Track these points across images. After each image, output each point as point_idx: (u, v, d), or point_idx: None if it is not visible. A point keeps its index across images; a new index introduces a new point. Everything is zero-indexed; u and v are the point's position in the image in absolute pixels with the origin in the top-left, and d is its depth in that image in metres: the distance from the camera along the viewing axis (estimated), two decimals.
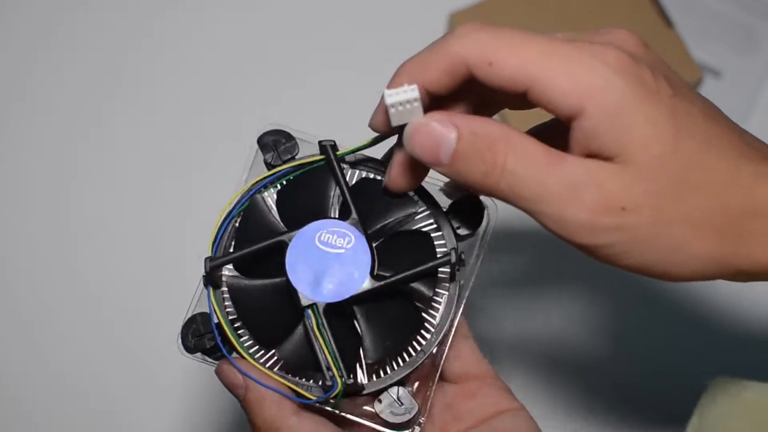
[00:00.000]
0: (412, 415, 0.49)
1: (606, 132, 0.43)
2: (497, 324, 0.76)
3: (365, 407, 0.51)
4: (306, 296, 0.48)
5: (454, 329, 0.51)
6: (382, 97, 0.45)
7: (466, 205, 0.52)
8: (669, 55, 0.79)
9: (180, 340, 0.50)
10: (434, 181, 0.52)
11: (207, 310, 0.50)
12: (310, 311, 0.48)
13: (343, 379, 0.47)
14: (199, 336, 0.49)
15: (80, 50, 0.85)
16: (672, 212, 0.43)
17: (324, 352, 0.47)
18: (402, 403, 0.49)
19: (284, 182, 0.52)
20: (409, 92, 0.44)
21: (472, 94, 0.47)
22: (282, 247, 0.49)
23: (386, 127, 0.47)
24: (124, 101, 0.83)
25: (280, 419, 0.48)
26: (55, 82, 0.84)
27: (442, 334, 0.50)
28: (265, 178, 0.51)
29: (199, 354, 0.50)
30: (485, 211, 0.52)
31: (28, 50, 0.85)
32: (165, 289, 0.77)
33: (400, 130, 0.46)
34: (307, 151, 0.52)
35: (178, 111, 0.83)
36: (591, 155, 0.43)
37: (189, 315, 0.50)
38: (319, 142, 0.51)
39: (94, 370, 0.75)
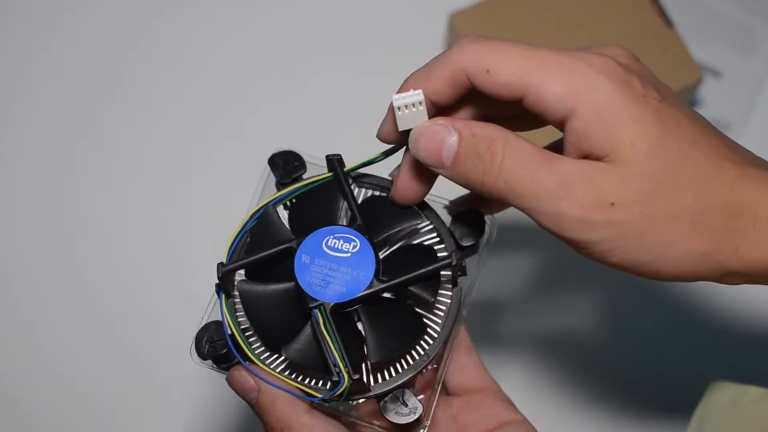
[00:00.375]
0: (416, 416, 0.50)
1: (595, 131, 0.45)
2: (499, 326, 0.76)
3: (370, 411, 0.52)
4: (313, 297, 0.50)
5: (457, 335, 0.53)
6: (390, 106, 0.48)
7: (467, 217, 0.53)
8: (669, 55, 0.79)
9: (194, 348, 0.51)
10: (438, 200, 0.54)
11: (220, 318, 0.51)
12: (317, 311, 0.50)
13: (350, 375, 0.48)
14: (212, 343, 0.51)
15: (80, 50, 0.85)
16: (662, 209, 0.44)
17: (331, 348, 0.49)
18: (407, 405, 0.50)
19: (294, 200, 0.54)
20: (415, 95, 0.47)
21: (474, 107, 0.49)
22: (291, 253, 0.51)
23: (394, 136, 0.49)
24: (124, 101, 0.83)
25: (293, 417, 0.49)
26: (55, 82, 0.84)
27: (445, 338, 0.51)
28: (281, 194, 0.53)
29: (209, 362, 0.51)
30: (485, 225, 0.54)
31: (28, 50, 0.85)
32: (165, 289, 0.77)
33: (406, 135, 0.49)
34: (315, 173, 0.54)
35: (178, 111, 0.83)
36: (584, 156, 0.45)
37: (203, 323, 0.52)
38: (326, 157, 0.53)
39: (95, 370, 0.75)
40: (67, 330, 0.76)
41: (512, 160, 0.45)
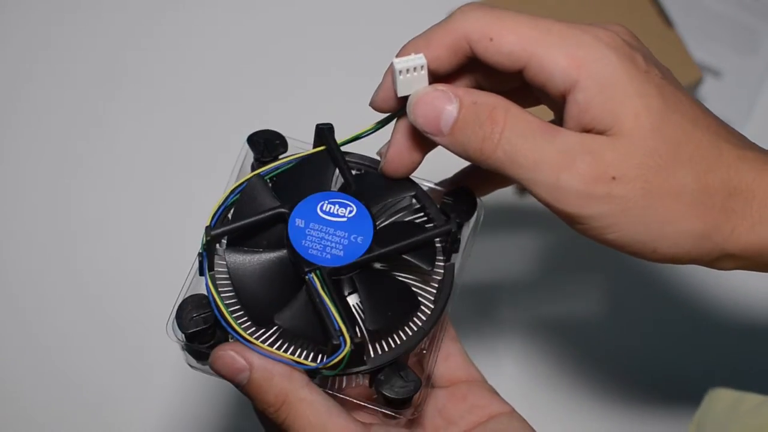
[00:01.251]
0: (415, 390, 0.48)
1: (599, 103, 0.44)
2: (492, 317, 0.76)
3: (355, 395, 0.50)
4: (310, 261, 0.48)
5: (447, 316, 0.51)
6: (386, 72, 0.48)
7: (458, 195, 0.52)
8: (669, 55, 0.79)
9: (174, 321, 0.48)
10: (424, 182, 0.53)
11: (198, 293, 0.49)
12: (313, 275, 0.47)
13: (352, 338, 0.46)
14: (194, 317, 0.48)
15: (80, 50, 0.85)
16: (663, 186, 0.44)
17: (332, 310, 0.46)
18: (405, 379, 0.48)
19: (275, 178, 0.52)
20: (417, 59, 0.46)
21: (472, 78, 0.49)
22: (282, 219, 0.49)
23: (391, 103, 0.48)
24: (124, 101, 0.83)
25: (291, 392, 0.47)
26: (55, 82, 0.84)
27: (440, 311, 0.50)
28: (271, 166, 0.51)
29: (185, 343, 0.49)
30: (477, 202, 0.52)
31: (28, 50, 0.85)
32: (165, 290, 0.77)
33: (402, 103, 0.47)
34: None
35: (178, 111, 0.83)
36: (585, 129, 0.45)
37: (183, 297, 0.49)
38: (317, 126, 0.51)
39: (95, 370, 0.75)
40: (67, 330, 0.75)
41: (513, 130, 0.45)
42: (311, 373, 0.48)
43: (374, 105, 0.49)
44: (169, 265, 0.78)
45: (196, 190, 0.80)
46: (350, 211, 0.49)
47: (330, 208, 0.49)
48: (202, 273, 0.50)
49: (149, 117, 0.83)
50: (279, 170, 0.51)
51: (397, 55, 0.47)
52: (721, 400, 0.58)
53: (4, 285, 0.77)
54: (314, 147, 0.52)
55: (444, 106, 0.46)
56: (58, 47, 0.85)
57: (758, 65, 0.85)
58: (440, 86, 0.46)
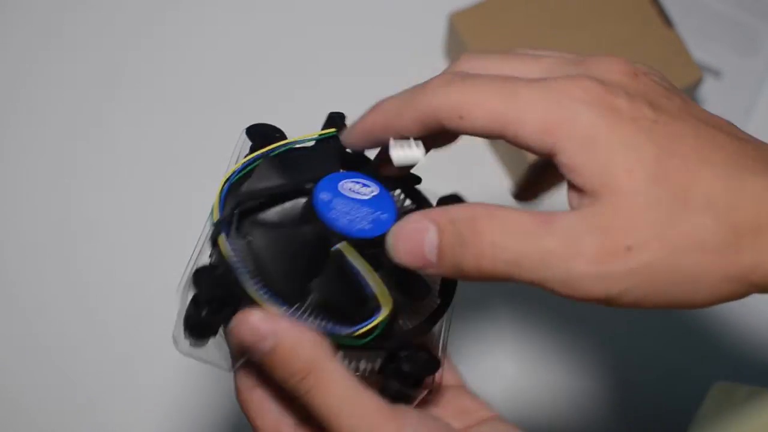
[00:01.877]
0: (437, 367, 0.48)
1: (584, 165, 0.41)
2: (491, 323, 0.76)
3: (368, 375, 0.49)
4: (340, 232, 0.47)
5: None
6: (367, 115, 0.48)
7: (449, 202, 0.52)
8: (669, 55, 0.79)
9: (187, 286, 0.47)
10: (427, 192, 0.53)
11: (210, 264, 0.48)
12: (344, 245, 0.47)
13: (390, 306, 0.45)
14: (211, 279, 0.47)
15: (80, 50, 0.85)
16: (681, 239, 0.40)
17: (369, 276, 0.46)
18: (424, 357, 0.48)
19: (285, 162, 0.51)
20: (417, 154, 0.47)
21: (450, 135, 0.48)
22: (306, 193, 0.49)
23: (362, 144, 0.49)
24: (125, 101, 0.83)
25: (319, 360, 0.44)
26: (55, 82, 0.84)
27: (452, 294, 0.50)
28: (279, 144, 0.51)
29: (192, 314, 0.47)
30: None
31: (28, 50, 0.85)
32: (165, 290, 0.77)
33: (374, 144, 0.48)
34: None
35: (179, 111, 0.83)
36: (582, 191, 0.42)
37: (191, 267, 0.48)
38: (330, 114, 0.51)
39: (94, 370, 0.75)
40: (67, 330, 0.76)
41: (504, 235, 0.41)
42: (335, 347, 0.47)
43: (346, 142, 0.49)
44: (169, 265, 0.78)
45: (196, 190, 0.80)
46: (372, 191, 0.49)
47: (351, 186, 0.49)
48: (215, 241, 0.48)
49: (149, 117, 0.83)
50: (288, 147, 0.51)
51: (366, 118, 0.47)
52: (724, 394, 0.58)
53: (4, 285, 0.77)
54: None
55: (422, 237, 0.43)
56: (58, 47, 0.85)
57: (758, 65, 0.85)
58: (413, 217, 0.43)
